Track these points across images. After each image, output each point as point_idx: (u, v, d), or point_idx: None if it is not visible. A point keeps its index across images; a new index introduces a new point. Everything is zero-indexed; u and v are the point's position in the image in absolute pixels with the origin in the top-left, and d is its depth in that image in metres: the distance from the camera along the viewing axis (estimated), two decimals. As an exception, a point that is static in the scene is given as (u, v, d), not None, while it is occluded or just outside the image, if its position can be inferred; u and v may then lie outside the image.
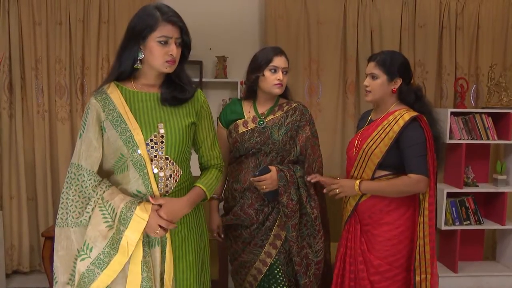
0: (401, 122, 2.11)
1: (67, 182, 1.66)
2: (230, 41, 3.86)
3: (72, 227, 1.64)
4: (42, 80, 3.65)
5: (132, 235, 1.59)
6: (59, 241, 1.66)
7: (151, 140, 1.65)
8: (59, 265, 1.66)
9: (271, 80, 2.21)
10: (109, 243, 1.60)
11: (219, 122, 2.39)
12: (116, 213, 1.61)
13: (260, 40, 3.91)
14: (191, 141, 1.78)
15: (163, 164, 1.66)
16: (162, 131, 1.67)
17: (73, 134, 3.72)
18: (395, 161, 2.14)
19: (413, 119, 2.10)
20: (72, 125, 3.72)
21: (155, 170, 1.65)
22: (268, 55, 2.24)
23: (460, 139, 3.55)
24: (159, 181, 1.66)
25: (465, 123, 3.58)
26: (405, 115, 2.13)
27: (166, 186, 1.68)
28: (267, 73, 2.22)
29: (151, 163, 1.64)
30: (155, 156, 1.65)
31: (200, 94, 1.81)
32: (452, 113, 3.55)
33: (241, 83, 3.78)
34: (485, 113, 3.59)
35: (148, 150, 1.64)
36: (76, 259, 1.64)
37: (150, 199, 1.64)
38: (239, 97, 3.77)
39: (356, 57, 3.86)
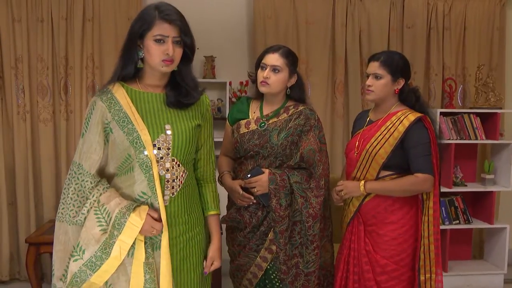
0: (406, 123, 2.12)
1: (68, 179, 1.66)
2: (218, 41, 3.79)
3: (69, 225, 1.65)
4: (23, 80, 3.51)
5: (126, 240, 1.59)
6: (58, 236, 1.67)
7: (158, 141, 1.64)
8: (55, 259, 1.67)
9: (259, 77, 2.18)
10: (101, 247, 1.59)
11: (227, 121, 2.33)
12: (111, 218, 1.60)
13: (248, 40, 3.86)
14: (196, 143, 1.76)
15: (169, 166, 1.65)
16: (169, 132, 1.66)
17: (56, 136, 3.60)
18: (399, 161, 2.15)
19: (418, 120, 2.12)
20: (55, 127, 3.59)
21: (162, 172, 1.63)
22: (262, 53, 2.22)
23: (449, 139, 3.57)
24: (166, 182, 1.65)
25: (454, 123, 3.62)
26: (410, 115, 2.14)
27: (172, 188, 1.67)
28: (258, 70, 2.20)
29: (158, 165, 1.62)
30: (162, 158, 1.64)
31: (205, 97, 1.81)
32: (441, 113, 3.57)
33: (230, 83, 3.73)
34: (473, 113, 3.63)
35: (154, 152, 1.62)
36: (70, 256, 1.65)
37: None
38: (227, 98, 3.72)
39: (344, 57, 3.85)
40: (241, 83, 3.76)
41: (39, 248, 3.08)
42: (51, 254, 3.22)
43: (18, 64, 3.51)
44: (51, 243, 3.00)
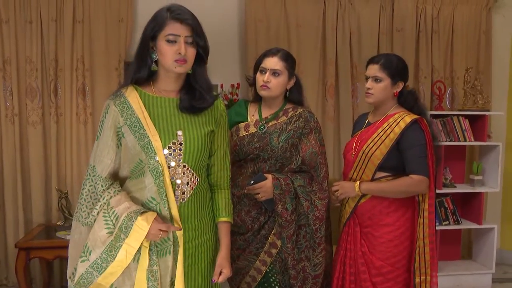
0: (402, 124, 2.13)
1: (84, 180, 1.69)
2: (209, 44, 3.75)
3: (82, 225, 1.67)
4: (11, 82, 3.45)
5: (132, 244, 1.58)
6: (73, 235, 1.70)
7: (169, 147, 1.63)
8: (69, 256, 1.70)
9: (259, 81, 2.17)
10: (106, 249, 1.59)
11: None
12: (119, 221, 1.60)
13: (240, 43, 3.86)
14: (209, 149, 1.75)
15: (180, 172, 1.64)
16: (181, 138, 1.64)
17: (45, 138, 3.55)
18: (395, 163, 2.16)
19: (414, 122, 2.14)
20: (44, 129, 3.54)
21: (173, 178, 1.62)
22: (260, 57, 2.22)
23: (439, 141, 3.61)
24: (176, 188, 1.63)
25: (443, 125, 3.67)
26: (406, 117, 2.16)
27: (183, 193, 1.65)
28: (257, 74, 2.19)
29: (169, 170, 1.61)
30: (173, 164, 1.62)
31: (220, 102, 1.79)
32: (431, 115, 3.62)
33: (221, 86, 3.72)
34: (462, 115, 3.69)
35: (166, 157, 1.61)
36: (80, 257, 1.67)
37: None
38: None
39: (335, 60, 3.88)
40: (232, 85, 3.75)
41: (29, 253, 3.03)
42: (40, 259, 3.21)
43: (6, 66, 3.46)
44: (41, 248, 3.05)
